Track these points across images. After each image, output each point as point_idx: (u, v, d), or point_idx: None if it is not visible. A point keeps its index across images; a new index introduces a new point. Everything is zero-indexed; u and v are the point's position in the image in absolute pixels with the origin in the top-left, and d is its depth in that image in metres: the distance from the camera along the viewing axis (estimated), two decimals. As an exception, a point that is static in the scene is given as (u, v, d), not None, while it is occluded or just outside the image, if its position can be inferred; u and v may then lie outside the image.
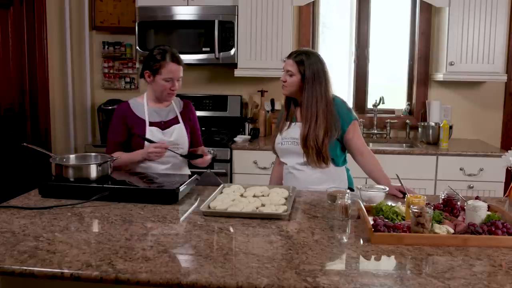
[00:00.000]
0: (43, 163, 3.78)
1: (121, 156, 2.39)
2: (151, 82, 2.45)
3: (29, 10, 3.73)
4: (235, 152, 3.56)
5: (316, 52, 2.42)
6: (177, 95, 2.60)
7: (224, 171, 3.52)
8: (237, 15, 3.72)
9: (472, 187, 3.41)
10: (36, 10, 3.76)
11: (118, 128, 2.48)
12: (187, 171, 2.60)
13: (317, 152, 2.31)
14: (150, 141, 2.38)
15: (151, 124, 2.46)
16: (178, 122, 2.53)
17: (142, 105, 2.50)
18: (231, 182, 3.52)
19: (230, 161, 3.54)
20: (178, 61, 2.42)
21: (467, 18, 3.56)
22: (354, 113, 2.42)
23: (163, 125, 2.49)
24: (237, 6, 3.71)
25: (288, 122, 2.44)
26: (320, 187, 2.29)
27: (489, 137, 4.01)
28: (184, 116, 2.57)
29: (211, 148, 2.82)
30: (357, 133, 2.39)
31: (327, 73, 2.36)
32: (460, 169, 3.43)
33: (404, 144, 3.95)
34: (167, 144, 2.41)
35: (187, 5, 3.77)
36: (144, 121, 2.46)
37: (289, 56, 2.39)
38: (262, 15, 3.70)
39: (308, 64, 2.32)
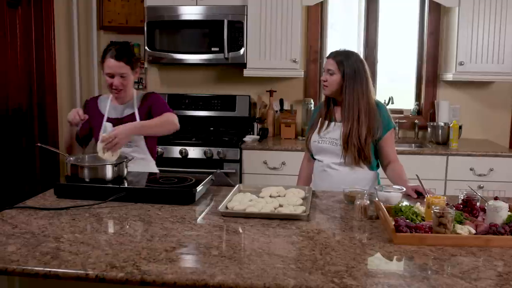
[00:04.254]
0: (51, 164, 3.78)
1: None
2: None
3: (37, 10, 3.71)
4: (244, 152, 3.55)
5: (355, 52, 2.42)
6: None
7: (234, 171, 3.51)
8: (246, 15, 3.71)
9: (482, 187, 3.41)
10: (44, 10, 3.75)
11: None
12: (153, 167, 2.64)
13: (359, 151, 2.31)
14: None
15: (109, 119, 2.53)
16: (134, 120, 2.52)
17: (107, 100, 2.61)
18: (240, 182, 3.50)
19: (239, 161, 3.53)
20: (117, 57, 2.42)
21: (477, 18, 3.55)
22: (393, 121, 2.43)
23: (117, 122, 2.46)
24: (246, 6, 3.70)
25: (327, 122, 2.44)
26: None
27: (497, 137, 4.00)
28: (142, 111, 2.56)
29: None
30: (391, 141, 2.41)
31: (367, 72, 2.37)
32: (470, 169, 3.42)
33: (413, 144, 3.94)
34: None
35: (196, 5, 3.76)
36: (103, 115, 2.56)
37: (329, 56, 2.40)
38: (271, 15, 3.69)
39: (348, 63, 2.33)
